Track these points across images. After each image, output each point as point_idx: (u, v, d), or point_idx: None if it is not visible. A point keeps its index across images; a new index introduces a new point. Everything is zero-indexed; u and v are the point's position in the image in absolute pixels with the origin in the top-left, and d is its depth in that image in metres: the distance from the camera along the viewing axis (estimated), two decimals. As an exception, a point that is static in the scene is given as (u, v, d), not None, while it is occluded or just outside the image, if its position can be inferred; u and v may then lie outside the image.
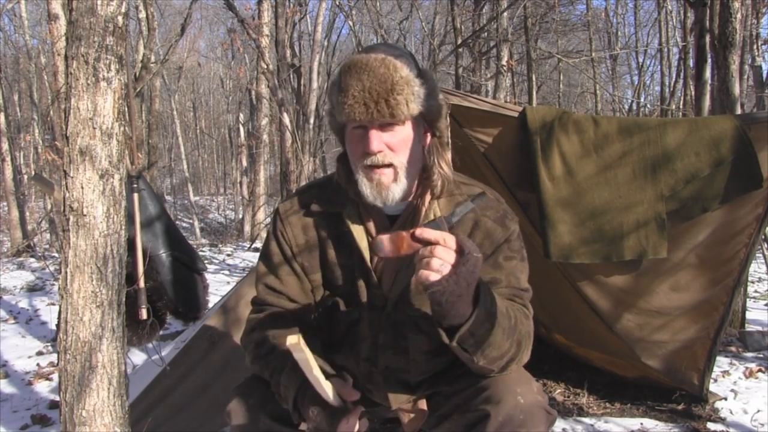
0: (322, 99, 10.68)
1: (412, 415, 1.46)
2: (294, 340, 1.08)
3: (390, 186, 1.26)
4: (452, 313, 1.10)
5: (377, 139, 1.23)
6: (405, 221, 1.33)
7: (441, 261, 1.04)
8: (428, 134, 1.33)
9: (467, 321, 1.11)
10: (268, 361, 1.30)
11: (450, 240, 1.05)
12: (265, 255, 1.43)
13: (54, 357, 3.67)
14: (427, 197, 1.33)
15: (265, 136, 11.39)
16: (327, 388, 1.17)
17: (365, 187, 1.26)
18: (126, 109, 1.53)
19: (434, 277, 1.05)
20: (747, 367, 3.12)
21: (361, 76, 1.20)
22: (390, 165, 1.25)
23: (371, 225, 1.35)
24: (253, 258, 7.82)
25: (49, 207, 11.47)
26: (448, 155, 1.36)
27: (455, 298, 1.07)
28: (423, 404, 1.46)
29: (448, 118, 1.49)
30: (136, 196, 2.41)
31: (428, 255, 1.05)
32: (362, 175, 1.26)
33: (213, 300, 3.69)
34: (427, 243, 1.06)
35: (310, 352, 1.11)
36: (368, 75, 1.20)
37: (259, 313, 1.40)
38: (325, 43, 13.39)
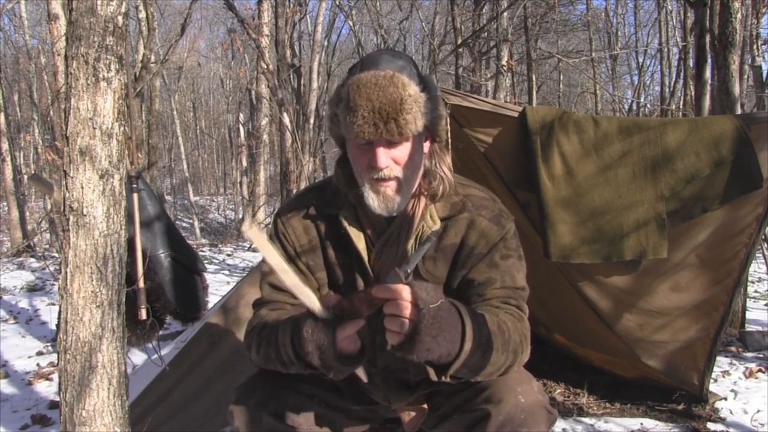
0: (322, 99, 10.68)
1: (412, 415, 1.46)
2: (246, 226, 1.04)
3: (394, 197, 1.28)
4: (433, 359, 1.08)
5: (384, 156, 1.24)
6: (401, 223, 1.35)
7: (400, 320, 1.05)
8: (429, 141, 1.33)
9: (457, 358, 1.10)
10: (269, 339, 1.27)
11: (406, 293, 1.05)
12: None
13: (54, 357, 3.67)
14: (423, 200, 1.34)
15: (265, 136, 11.39)
16: (309, 294, 1.12)
17: (371, 200, 1.27)
18: (126, 109, 1.53)
19: (394, 339, 1.06)
20: (747, 367, 3.12)
21: (370, 96, 1.19)
22: (395, 178, 1.26)
23: (368, 226, 1.36)
24: (253, 258, 7.82)
25: (49, 207, 11.47)
26: (449, 159, 1.37)
27: (425, 352, 1.06)
28: (423, 403, 1.46)
29: (448, 121, 1.49)
30: (135, 196, 2.40)
31: (389, 312, 1.06)
32: (368, 188, 1.27)
33: (213, 300, 3.69)
34: (386, 300, 1.05)
35: (269, 242, 1.08)
36: (377, 95, 1.19)
37: (260, 310, 1.40)
38: (325, 43, 13.38)
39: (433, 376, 1.14)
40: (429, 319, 1.04)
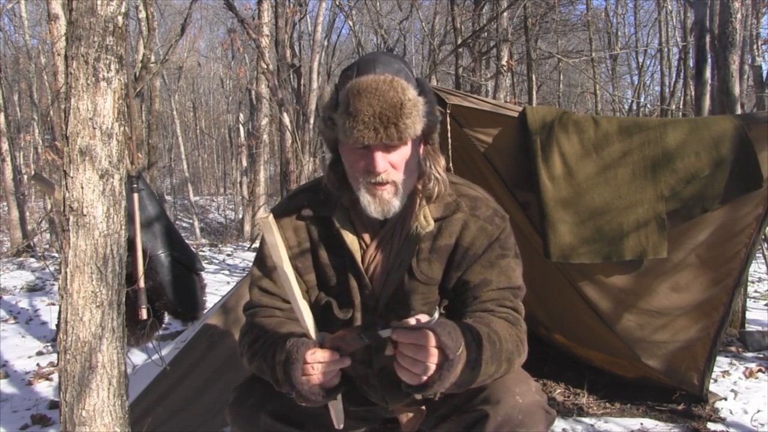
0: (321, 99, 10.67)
1: (410, 416, 1.46)
2: (265, 218, 1.05)
3: (391, 200, 1.27)
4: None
5: (383, 160, 1.23)
6: (395, 224, 1.35)
7: (423, 365, 1.05)
8: (422, 143, 1.33)
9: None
10: (264, 353, 1.27)
11: (430, 339, 1.06)
12: (259, 260, 1.43)
13: (54, 357, 3.67)
14: (417, 201, 1.34)
15: (265, 136, 11.39)
16: (303, 305, 1.12)
17: (368, 203, 1.27)
18: (126, 109, 1.53)
19: (414, 380, 1.07)
20: (747, 367, 3.12)
21: (371, 101, 1.18)
22: (392, 182, 1.26)
23: (361, 227, 1.36)
24: (253, 258, 7.82)
25: (49, 207, 11.47)
26: (443, 161, 1.37)
27: (437, 389, 1.08)
28: (421, 404, 1.46)
29: (441, 124, 1.49)
30: (136, 196, 2.41)
31: (410, 355, 1.06)
32: (364, 192, 1.27)
33: (212, 300, 3.69)
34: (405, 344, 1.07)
35: (281, 239, 1.08)
36: (378, 99, 1.18)
37: (252, 317, 1.40)
38: (325, 43, 13.40)
39: (418, 396, 1.13)
40: (448, 367, 1.06)
